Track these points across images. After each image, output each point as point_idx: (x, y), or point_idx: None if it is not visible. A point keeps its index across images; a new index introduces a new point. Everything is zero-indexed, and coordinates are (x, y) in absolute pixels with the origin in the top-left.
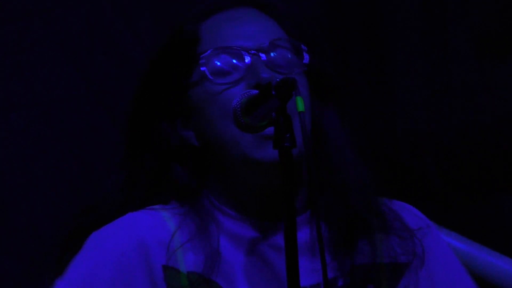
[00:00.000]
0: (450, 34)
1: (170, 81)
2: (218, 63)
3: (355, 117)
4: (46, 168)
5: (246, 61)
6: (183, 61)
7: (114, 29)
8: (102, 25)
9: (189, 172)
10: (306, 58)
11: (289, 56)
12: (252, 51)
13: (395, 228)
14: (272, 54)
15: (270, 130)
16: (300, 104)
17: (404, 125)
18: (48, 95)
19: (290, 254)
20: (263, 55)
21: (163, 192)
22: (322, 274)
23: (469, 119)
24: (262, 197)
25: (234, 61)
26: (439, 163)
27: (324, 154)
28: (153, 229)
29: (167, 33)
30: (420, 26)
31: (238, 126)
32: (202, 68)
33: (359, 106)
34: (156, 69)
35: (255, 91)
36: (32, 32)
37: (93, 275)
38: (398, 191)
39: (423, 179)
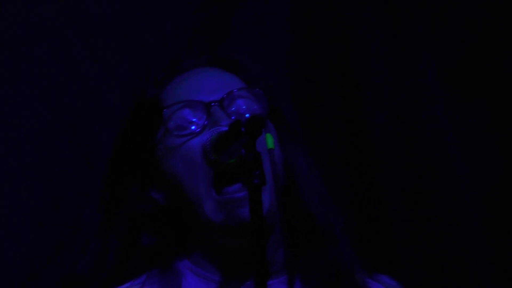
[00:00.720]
0: (420, 70)
1: (138, 146)
2: (179, 117)
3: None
4: (14, 204)
5: (206, 113)
6: (149, 126)
7: (85, 67)
8: (73, 62)
9: (161, 238)
10: (266, 104)
11: (249, 103)
12: (212, 104)
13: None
14: (231, 104)
15: (232, 196)
16: (270, 141)
17: (372, 159)
18: (17, 130)
19: None
20: (222, 106)
21: (137, 264)
22: None
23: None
24: (230, 257)
25: (195, 113)
26: (404, 201)
27: (296, 201)
28: None
29: (141, 78)
30: (390, 62)
31: (207, 163)
32: (166, 125)
33: (328, 138)
34: (124, 136)
35: (225, 128)
36: (2, 67)
37: None
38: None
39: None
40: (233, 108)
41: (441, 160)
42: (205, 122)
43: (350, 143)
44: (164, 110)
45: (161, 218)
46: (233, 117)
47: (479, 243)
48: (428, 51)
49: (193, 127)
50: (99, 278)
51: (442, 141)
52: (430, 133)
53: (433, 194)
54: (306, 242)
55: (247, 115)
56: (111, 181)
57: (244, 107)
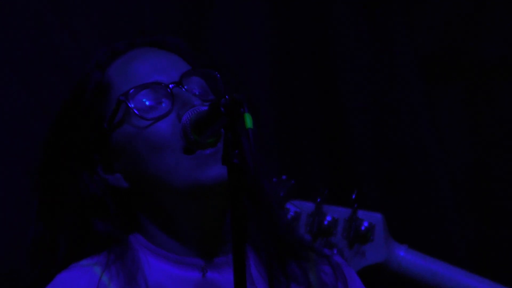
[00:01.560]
0: (397, 57)
1: (85, 128)
2: (144, 100)
3: None
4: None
5: (169, 96)
6: (97, 107)
7: (62, 46)
8: (51, 43)
9: (113, 220)
10: (221, 84)
11: (205, 84)
12: (171, 85)
13: (320, 260)
14: (188, 85)
15: (210, 149)
16: (249, 121)
17: (350, 146)
18: None
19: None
20: (182, 86)
21: (91, 245)
22: None
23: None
24: (202, 230)
25: (157, 96)
26: (379, 185)
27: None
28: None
29: (75, 82)
30: (367, 48)
31: (187, 143)
32: (129, 106)
33: (307, 125)
34: (68, 119)
35: (204, 108)
36: None
37: None
38: None
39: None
40: (190, 88)
41: (416, 146)
42: (171, 105)
43: (326, 128)
44: (122, 95)
45: (117, 201)
46: (198, 101)
47: (454, 226)
48: (404, 38)
49: (159, 109)
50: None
51: (418, 127)
52: (406, 120)
53: (408, 179)
54: (253, 216)
55: (226, 96)
56: (54, 168)
57: (201, 87)
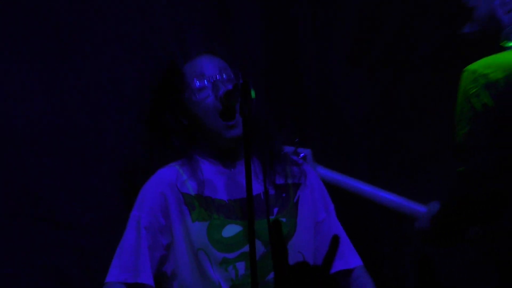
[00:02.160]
0: (332, 41)
1: (170, 94)
2: (197, 84)
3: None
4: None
5: (212, 83)
6: (177, 84)
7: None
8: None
9: (182, 141)
10: (238, 73)
11: (231, 77)
12: (211, 79)
13: (293, 163)
14: (222, 77)
15: (231, 121)
16: (253, 93)
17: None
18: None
19: (248, 177)
20: (218, 79)
21: (173, 153)
22: (264, 187)
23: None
24: (227, 151)
25: (205, 83)
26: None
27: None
28: (173, 176)
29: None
30: (310, 45)
31: (221, 110)
32: (191, 86)
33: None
34: (161, 87)
35: (230, 87)
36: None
37: (150, 204)
38: None
39: None
40: (223, 80)
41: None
42: (210, 90)
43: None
44: (190, 80)
45: (184, 131)
46: (223, 89)
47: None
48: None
49: (205, 92)
50: (150, 162)
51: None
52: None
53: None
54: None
55: (241, 81)
56: (156, 112)
57: (229, 80)
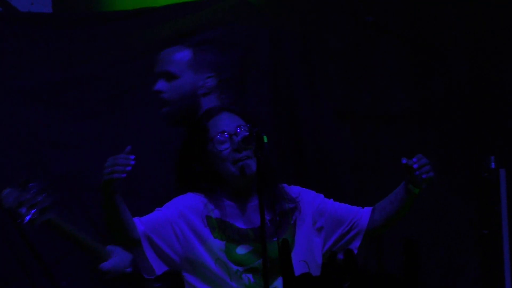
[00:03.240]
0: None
1: (196, 146)
2: (218, 138)
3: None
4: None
5: (230, 138)
6: (202, 139)
7: None
8: None
9: (208, 183)
10: (254, 132)
11: (247, 134)
12: (232, 135)
13: (290, 195)
14: (239, 134)
15: (241, 164)
16: (265, 138)
17: None
18: None
19: (261, 210)
20: (235, 133)
21: (200, 188)
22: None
23: None
24: (240, 188)
25: (224, 139)
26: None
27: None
28: (199, 201)
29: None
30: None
31: (234, 160)
32: (214, 142)
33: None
34: (189, 137)
35: (246, 133)
36: None
37: (176, 208)
38: None
39: None
40: (239, 136)
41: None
42: (229, 144)
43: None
44: (212, 136)
45: (209, 175)
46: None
47: None
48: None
49: (224, 145)
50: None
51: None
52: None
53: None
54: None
55: (256, 129)
56: (184, 161)
57: (244, 136)
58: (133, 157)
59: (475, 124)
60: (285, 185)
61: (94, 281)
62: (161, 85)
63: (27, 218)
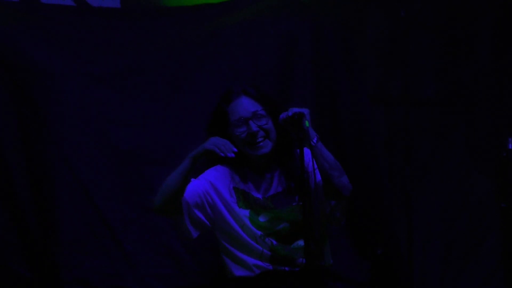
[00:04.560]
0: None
1: (219, 124)
2: (236, 123)
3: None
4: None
5: (246, 121)
6: (223, 119)
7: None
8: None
9: (234, 159)
10: (269, 115)
11: (264, 115)
12: (248, 119)
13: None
14: (254, 118)
15: (257, 146)
16: (307, 123)
17: None
18: None
19: (302, 171)
20: (251, 119)
21: (228, 161)
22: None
23: None
24: (260, 163)
25: (241, 123)
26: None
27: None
28: (227, 174)
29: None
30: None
31: (246, 139)
32: (232, 125)
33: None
34: (213, 120)
35: (264, 122)
36: None
37: (208, 180)
38: None
39: None
40: (255, 120)
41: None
42: (246, 127)
43: None
44: (231, 119)
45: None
46: (255, 127)
47: None
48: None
49: (241, 128)
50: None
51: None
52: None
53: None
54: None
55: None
56: (213, 130)
57: (260, 119)
58: (235, 150)
59: (496, 109)
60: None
61: (157, 245)
62: None
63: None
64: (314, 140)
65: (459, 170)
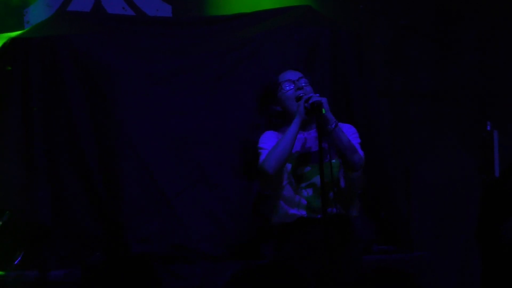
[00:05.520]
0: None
1: (272, 92)
2: (286, 83)
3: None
4: None
5: (294, 83)
6: (274, 88)
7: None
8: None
9: (280, 120)
10: (309, 80)
11: (307, 81)
12: (294, 81)
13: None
14: (299, 81)
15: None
16: (324, 109)
17: None
18: None
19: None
20: (298, 81)
21: (275, 125)
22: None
23: None
24: (303, 122)
25: (290, 83)
26: None
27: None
28: (275, 137)
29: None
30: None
31: (297, 100)
32: (281, 86)
33: None
34: (266, 89)
35: (317, 99)
36: None
37: (272, 139)
38: None
39: None
40: (301, 82)
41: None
42: (294, 87)
43: None
44: (281, 83)
45: (281, 114)
46: (300, 88)
47: None
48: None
49: (290, 88)
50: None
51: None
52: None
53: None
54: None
55: (317, 99)
56: (264, 105)
57: (304, 82)
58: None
59: (478, 99)
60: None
61: (203, 211)
62: None
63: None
64: (333, 125)
65: (449, 149)
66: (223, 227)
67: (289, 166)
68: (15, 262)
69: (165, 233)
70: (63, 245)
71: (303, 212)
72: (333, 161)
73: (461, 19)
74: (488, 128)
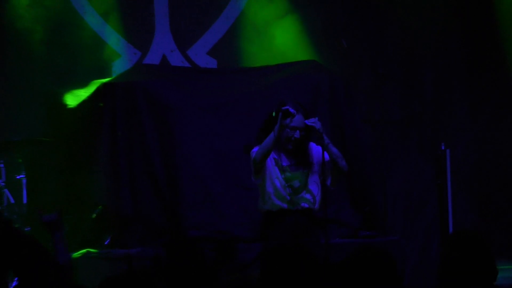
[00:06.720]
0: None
1: (272, 124)
2: (292, 127)
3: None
4: None
5: (296, 129)
6: (275, 120)
7: None
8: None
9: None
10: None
11: (305, 130)
12: (299, 128)
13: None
14: (302, 130)
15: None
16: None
17: None
18: None
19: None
20: (300, 129)
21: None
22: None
23: None
24: (289, 152)
25: (295, 128)
26: None
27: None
28: (272, 153)
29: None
30: None
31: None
32: (288, 127)
33: None
34: (270, 120)
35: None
36: None
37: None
38: None
39: None
40: (302, 133)
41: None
42: (294, 132)
43: None
44: (289, 124)
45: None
46: (297, 134)
47: None
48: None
49: (293, 131)
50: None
51: None
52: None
53: None
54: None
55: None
56: (262, 133)
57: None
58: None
59: (436, 125)
60: (312, 144)
61: (239, 206)
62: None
63: None
64: (326, 142)
65: (413, 162)
66: (252, 218)
67: (279, 172)
68: (105, 243)
69: (211, 222)
70: (139, 230)
71: (284, 205)
72: (305, 171)
73: (422, 64)
74: (442, 147)
